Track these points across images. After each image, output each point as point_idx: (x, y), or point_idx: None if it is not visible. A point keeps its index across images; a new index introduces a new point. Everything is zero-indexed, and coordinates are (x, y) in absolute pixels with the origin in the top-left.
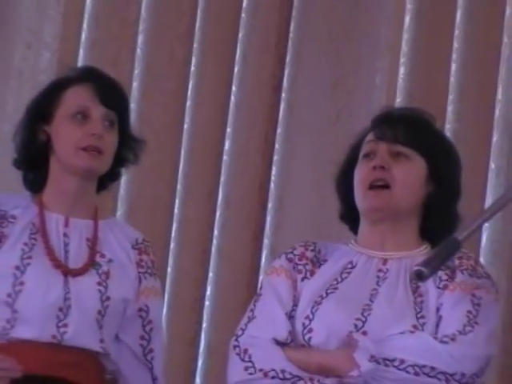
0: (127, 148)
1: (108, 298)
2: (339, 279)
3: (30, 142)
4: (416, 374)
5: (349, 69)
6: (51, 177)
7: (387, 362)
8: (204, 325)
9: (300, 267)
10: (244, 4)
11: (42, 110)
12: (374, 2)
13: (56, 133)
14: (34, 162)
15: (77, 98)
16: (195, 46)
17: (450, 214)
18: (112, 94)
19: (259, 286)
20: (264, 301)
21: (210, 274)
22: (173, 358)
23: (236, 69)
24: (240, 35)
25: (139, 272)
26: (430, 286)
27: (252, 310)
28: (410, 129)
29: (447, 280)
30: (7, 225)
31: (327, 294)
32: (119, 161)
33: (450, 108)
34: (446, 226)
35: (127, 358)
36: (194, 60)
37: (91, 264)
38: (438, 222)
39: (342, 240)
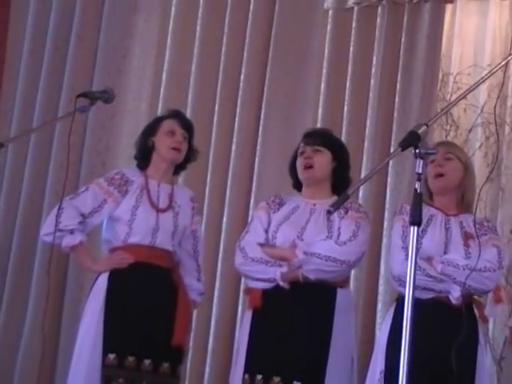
0: (191, 152)
1: (177, 225)
2: (291, 214)
3: (145, 146)
4: (326, 260)
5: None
6: (152, 163)
7: (311, 254)
8: None
9: (272, 206)
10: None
11: (151, 130)
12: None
13: (158, 140)
14: (145, 156)
15: (169, 124)
16: None
17: (345, 179)
18: (185, 123)
19: (251, 216)
20: (253, 223)
21: None
22: None
23: None
24: None
25: (192, 212)
26: (335, 217)
27: (247, 227)
28: (320, 137)
29: (344, 213)
30: (130, 184)
31: (284, 221)
32: (186, 159)
33: (344, 122)
34: (343, 186)
35: (185, 254)
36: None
37: (170, 206)
38: (339, 183)
39: (294, 194)
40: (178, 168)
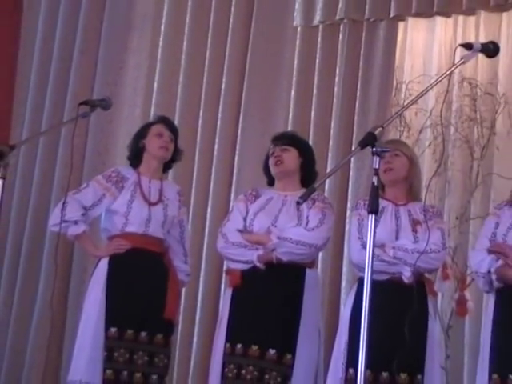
0: (176, 153)
1: (166, 215)
2: (266, 204)
3: (137, 148)
4: (296, 244)
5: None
6: (144, 162)
7: (284, 239)
8: None
9: (249, 198)
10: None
11: (142, 133)
12: None
13: (148, 142)
14: (137, 156)
15: (157, 128)
16: None
17: (311, 173)
18: (172, 127)
19: (231, 207)
20: (233, 212)
21: None
22: None
23: None
24: None
25: (179, 204)
26: (304, 207)
27: (228, 216)
28: (286, 138)
29: (311, 204)
30: (125, 181)
31: (260, 210)
32: (172, 159)
33: (312, 124)
34: (311, 179)
35: (173, 240)
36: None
37: (160, 200)
38: (307, 177)
39: (268, 188)
40: (166, 167)
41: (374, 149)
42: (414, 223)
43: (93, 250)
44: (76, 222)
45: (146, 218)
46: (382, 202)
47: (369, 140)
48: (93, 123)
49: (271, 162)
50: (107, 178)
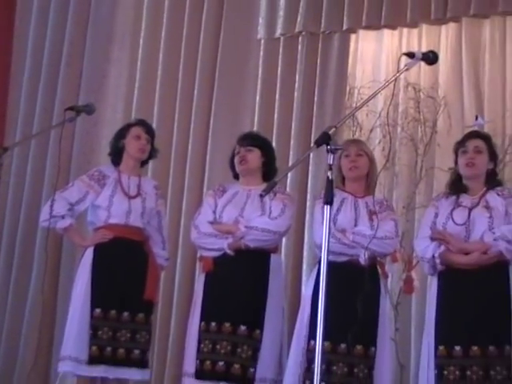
0: (153, 151)
1: (145, 207)
2: (232, 198)
3: (116, 147)
4: (262, 231)
5: None
6: (123, 160)
7: (251, 228)
8: None
9: (218, 193)
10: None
11: (122, 134)
12: None
13: (128, 143)
14: (117, 154)
15: (136, 130)
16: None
17: (272, 169)
18: (148, 129)
19: (203, 200)
20: (203, 206)
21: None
22: None
23: None
24: None
25: (156, 197)
26: (267, 199)
27: (199, 210)
28: (250, 139)
29: (273, 196)
30: (107, 178)
31: (227, 203)
32: (149, 157)
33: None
34: (272, 175)
35: (152, 230)
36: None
37: (138, 194)
38: (269, 173)
39: (234, 183)
40: (143, 163)
41: (329, 147)
42: (371, 213)
43: (80, 240)
44: (63, 217)
45: (127, 210)
46: (343, 194)
47: (324, 139)
48: (79, 126)
49: (236, 160)
50: (90, 176)
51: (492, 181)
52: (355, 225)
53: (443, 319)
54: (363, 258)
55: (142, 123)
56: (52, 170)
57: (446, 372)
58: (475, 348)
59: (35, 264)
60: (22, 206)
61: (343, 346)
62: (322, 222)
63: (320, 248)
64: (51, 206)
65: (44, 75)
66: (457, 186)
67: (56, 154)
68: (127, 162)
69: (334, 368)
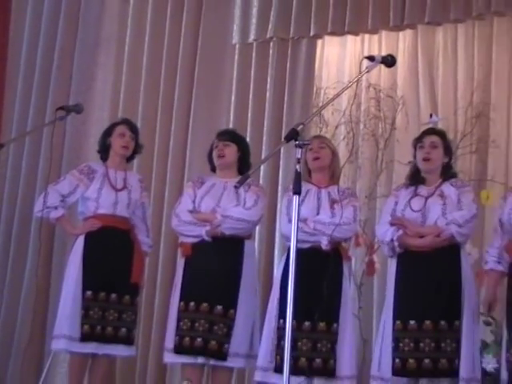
0: (137, 147)
1: (130, 199)
2: (210, 189)
3: (103, 144)
4: (237, 221)
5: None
6: (110, 157)
7: (227, 217)
8: None
9: (196, 184)
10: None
11: (108, 132)
12: None
13: (113, 140)
14: (104, 151)
15: (120, 129)
16: None
17: (246, 163)
18: (132, 128)
19: (183, 191)
20: (184, 196)
21: None
22: None
23: None
24: None
25: (141, 190)
26: (242, 190)
27: (180, 199)
28: (228, 135)
29: (247, 188)
30: (95, 173)
31: (205, 194)
32: (134, 152)
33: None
34: (246, 168)
35: (137, 219)
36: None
37: (124, 187)
38: (243, 166)
39: (211, 175)
40: (129, 158)
41: (297, 142)
42: (332, 202)
43: (71, 229)
44: (56, 208)
45: (114, 201)
46: (308, 186)
47: (292, 135)
48: (69, 125)
49: (215, 154)
50: (80, 171)
51: (447, 173)
52: (317, 213)
53: (400, 296)
54: (324, 244)
55: (126, 122)
56: (45, 165)
57: (401, 344)
58: (428, 322)
59: (30, 251)
60: (17, 198)
61: (307, 323)
62: (287, 214)
63: (286, 238)
64: (45, 197)
65: (37, 78)
66: (415, 178)
67: (48, 150)
68: (113, 158)
69: (299, 344)
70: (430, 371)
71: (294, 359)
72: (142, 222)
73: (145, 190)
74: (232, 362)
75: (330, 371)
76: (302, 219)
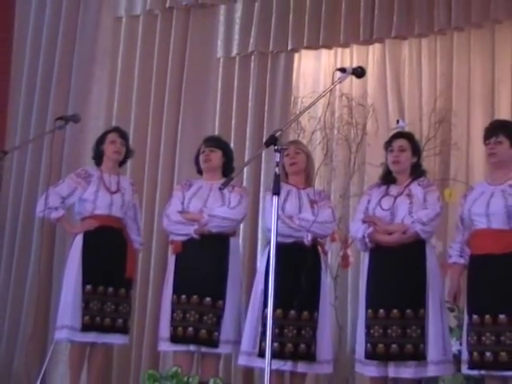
0: (128, 152)
1: (123, 201)
2: (197, 191)
3: (98, 151)
4: (222, 219)
5: None
6: (104, 162)
7: (213, 216)
8: None
9: (185, 187)
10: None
11: (101, 140)
12: None
13: (106, 147)
14: (98, 157)
15: (112, 136)
16: None
17: (231, 167)
18: (123, 135)
19: (173, 193)
20: (173, 198)
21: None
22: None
23: None
24: None
25: (132, 192)
26: (226, 191)
27: (170, 201)
28: (214, 141)
29: (231, 189)
30: (92, 177)
31: (193, 196)
32: (126, 157)
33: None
34: (230, 171)
35: (129, 220)
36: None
37: (118, 190)
38: (227, 170)
39: (198, 178)
40: (122, 163)
41: (276, 147)
42: (312, 202)
43: (70, 228)
44: (56, 208)
45: (109, 202)
46: (288, 187)
47: (272, 140)
48: (68, 133)
49: (201, 158)
50: (78, 175)
51: (416, 171)
52: (300, 212)
53: (372, 287)
54: (307, 239)
55: (117, 130)
56: (46, 170)
57: (372, 330)
58: (395, 311)
59: (33, 248)
60: (21, 200)
61: (293, 312)
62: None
63: (270, 232)
64: (46, 199)
65: (38, 91)
66: (387, 178)
67: (49, 156)
68: (107, 163)
69: (286, 331)
70: (397, 355)
71: (281, 345)
72: (134, 222)
73: (136, 192)
74: (222, 349)
75: (312, 356)
76: (287, 215)
